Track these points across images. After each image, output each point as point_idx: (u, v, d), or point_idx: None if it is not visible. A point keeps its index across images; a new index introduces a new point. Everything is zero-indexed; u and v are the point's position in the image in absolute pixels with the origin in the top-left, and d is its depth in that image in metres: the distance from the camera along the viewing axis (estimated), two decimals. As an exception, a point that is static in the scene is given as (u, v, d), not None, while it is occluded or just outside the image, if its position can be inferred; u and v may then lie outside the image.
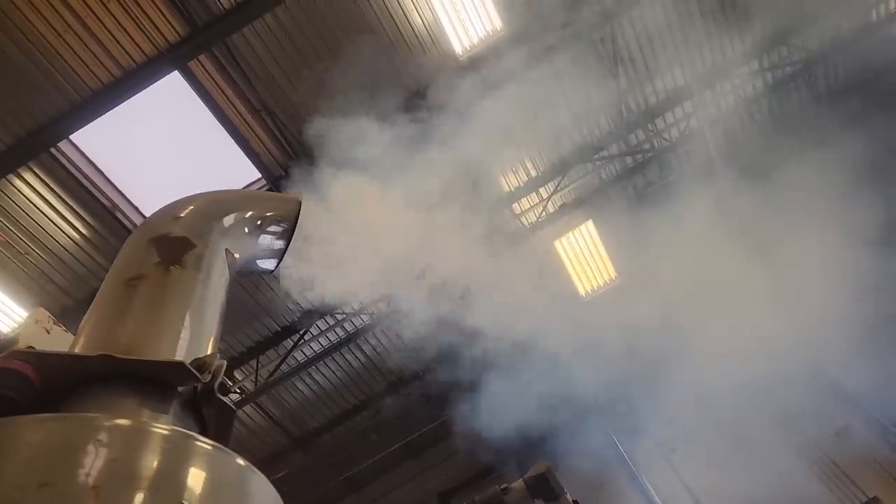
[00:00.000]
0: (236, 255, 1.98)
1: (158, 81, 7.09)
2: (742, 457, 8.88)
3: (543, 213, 9.67)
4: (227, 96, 7.51)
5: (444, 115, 7.33)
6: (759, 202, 8.84)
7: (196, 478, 0.97)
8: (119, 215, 7.95)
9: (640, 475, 10.13)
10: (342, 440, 11.53)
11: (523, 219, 9.87)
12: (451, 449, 11.31)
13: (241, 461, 1.08)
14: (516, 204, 9.72)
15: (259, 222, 2.17)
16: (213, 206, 2.04)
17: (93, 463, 0.88)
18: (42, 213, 7.61)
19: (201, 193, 2.10)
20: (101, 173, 7.82)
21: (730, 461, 8.85)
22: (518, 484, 4.01)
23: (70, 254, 8.02)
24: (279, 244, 2.28)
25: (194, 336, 1.49)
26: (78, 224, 7.87)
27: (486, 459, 10.59)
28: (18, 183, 7.32)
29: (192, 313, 1.55)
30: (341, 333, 10.30)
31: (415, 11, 7.61)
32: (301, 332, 9.95)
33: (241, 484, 1.06)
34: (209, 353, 1.50)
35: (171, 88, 7.24)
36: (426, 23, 7.75)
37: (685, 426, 9.52)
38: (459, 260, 7.35)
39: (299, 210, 2.28)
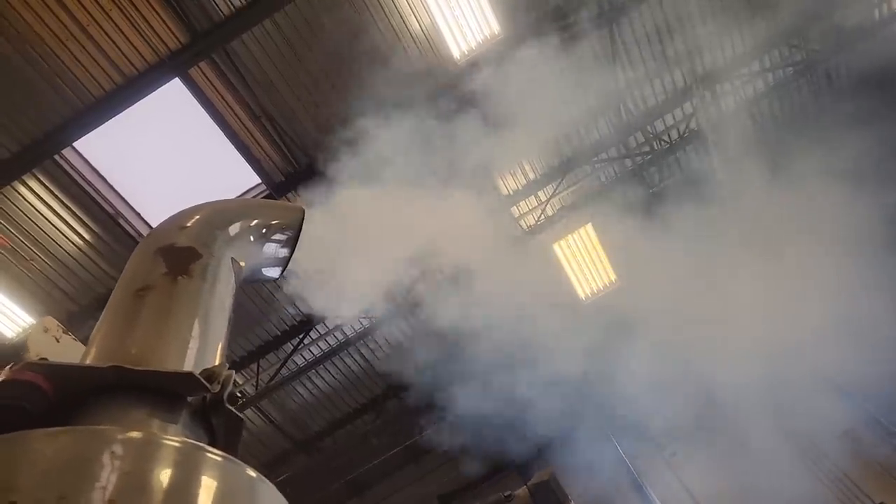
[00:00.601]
0: (242, 264, 1.99)
1: (160, 88, 7.13)
2: (744, 461, 8.85)
3: (542, 216, 9.68)
4: (227, 103, 7.55)
5: (443, 119, 7.36)
6: (761, 203, 8.85)
7: (208, 489, 0.99)
8: (122, 222, 7.99)
9: (642, 480, 10.12)
10: (343, 444, 11.55)
11: (522, 222, 9.89)
12: (452, 452, 11.31)
13: (251, 472, 1.10)
14: (515, 207, 9.73)
15: (264, 231, 2.19)
16: (218, 215, 2.06)
17: (108, 476, 0.90)
18: (46, 219, 7.65)
19: (206, 203, 2.12)
20: (104, 180, 7.87)
21: (732, 465, 8.83)
22: (522, 491, 4.03)
23: (74, 260, 8.05)
24: (284, 252, 2.30)
25: (203, 346, 1.51)
26: (81, 230, 7.91)
27: (486, 463, 10.60)
28: (23, 190, 7.36)
29: (200, 323, 1.57)
30: (342, 337, 10.32)
31: (412, 16, 7.65)
32: (301, 336, 9.97)
33: (252, 495, 1.08)
34: (218, 362, 1.52)
35: (172, 95, 7.30)
36: (424, 27, 7.79)
37: (687, 430, 9.50)
38: (459, 262, 7.37)
39: (303, 218, 2.30)
